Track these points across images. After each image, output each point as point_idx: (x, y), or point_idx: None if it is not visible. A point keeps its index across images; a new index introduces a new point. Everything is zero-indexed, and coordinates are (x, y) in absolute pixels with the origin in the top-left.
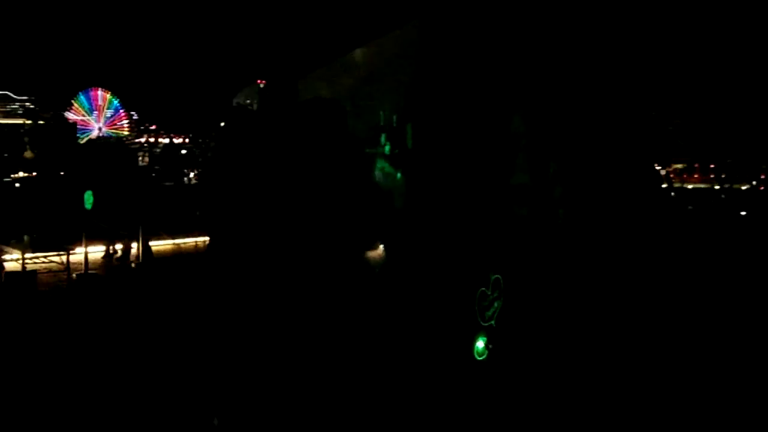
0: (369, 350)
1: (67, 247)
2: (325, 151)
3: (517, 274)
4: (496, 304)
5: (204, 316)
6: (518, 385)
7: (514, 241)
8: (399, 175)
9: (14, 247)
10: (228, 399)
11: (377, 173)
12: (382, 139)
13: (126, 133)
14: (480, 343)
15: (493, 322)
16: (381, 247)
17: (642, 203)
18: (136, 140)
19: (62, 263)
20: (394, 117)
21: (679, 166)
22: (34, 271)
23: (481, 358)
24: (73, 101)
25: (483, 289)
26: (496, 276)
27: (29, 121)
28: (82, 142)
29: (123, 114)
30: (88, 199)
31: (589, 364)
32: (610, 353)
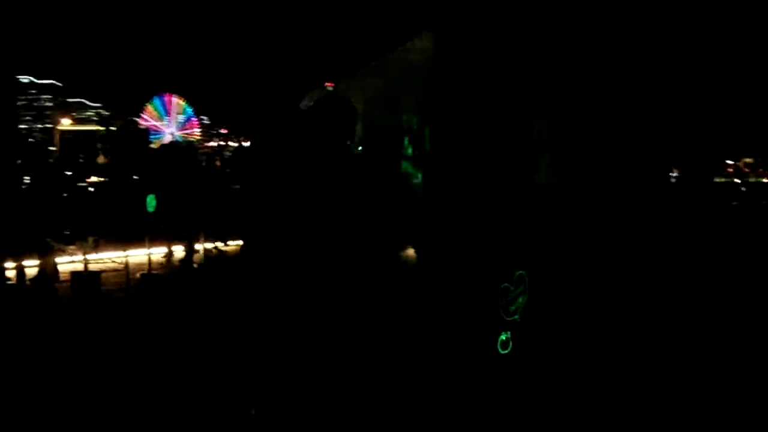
0: (395, 344)
1: (126, 249)
2: (335, 148)
3: (543, 270)
4: (520, 300)
5: (242, 312)
6: (543, 378)
7: (539, 237)
8: (420, 175)
9: (79, 247)
10: (265, 390)
11: (403, 174)
12: (405, 141)
13: (197, 137)
14: (504, 337)
15: (517, 317)
16: (411, 249)
17: (672, 200)
18: (207, 144)
19: (122, 263)
20: (414, 120)
21: (749, 160)
22: (98, 272)
23: (505, 352)
24: (147, 104)
25: (506, 284)
26: (520, 272)
27: (102, 128)
28: (153, 145)
29: (195, 122)
30: (151, 202)
31: (616, 360)
32: (636, 349)
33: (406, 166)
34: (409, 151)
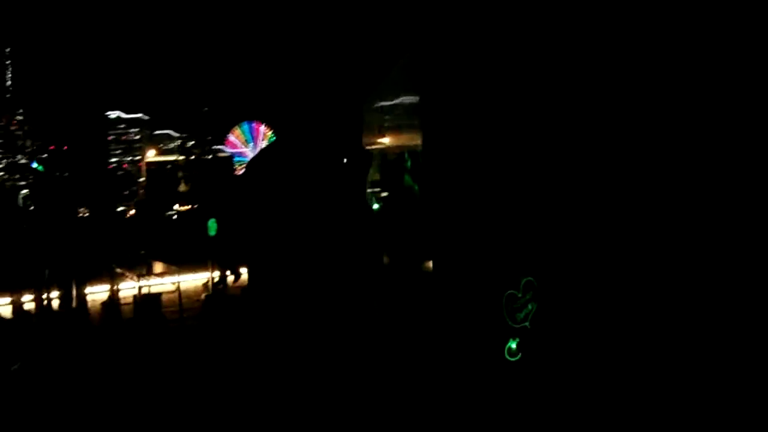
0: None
1: (188, 272)
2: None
3: (554, 276)
4: (529, 306)
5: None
6: (558, 385)
7: (548, 244)
8: (416, 187)
9: (141, 271)
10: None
11: (405, 188)
12: (406, 155)
13: None
14: (513, 345)
15: (527, 323)
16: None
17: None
18: None
19: (178, 287)
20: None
21: None
22: (158, 294)
23: (514, 359)
24: (236, 127)
25: (512, 291)
26: (528, 278)
27: (182, 157)
28: (237, 168)
29: None
30: (212, 226)
31: (634, 366)
32: (657, 355)
33: (407, 179)
34: (408, 164)
